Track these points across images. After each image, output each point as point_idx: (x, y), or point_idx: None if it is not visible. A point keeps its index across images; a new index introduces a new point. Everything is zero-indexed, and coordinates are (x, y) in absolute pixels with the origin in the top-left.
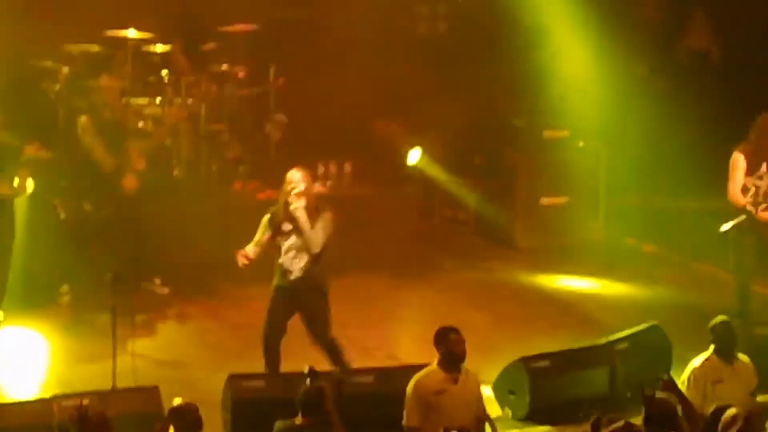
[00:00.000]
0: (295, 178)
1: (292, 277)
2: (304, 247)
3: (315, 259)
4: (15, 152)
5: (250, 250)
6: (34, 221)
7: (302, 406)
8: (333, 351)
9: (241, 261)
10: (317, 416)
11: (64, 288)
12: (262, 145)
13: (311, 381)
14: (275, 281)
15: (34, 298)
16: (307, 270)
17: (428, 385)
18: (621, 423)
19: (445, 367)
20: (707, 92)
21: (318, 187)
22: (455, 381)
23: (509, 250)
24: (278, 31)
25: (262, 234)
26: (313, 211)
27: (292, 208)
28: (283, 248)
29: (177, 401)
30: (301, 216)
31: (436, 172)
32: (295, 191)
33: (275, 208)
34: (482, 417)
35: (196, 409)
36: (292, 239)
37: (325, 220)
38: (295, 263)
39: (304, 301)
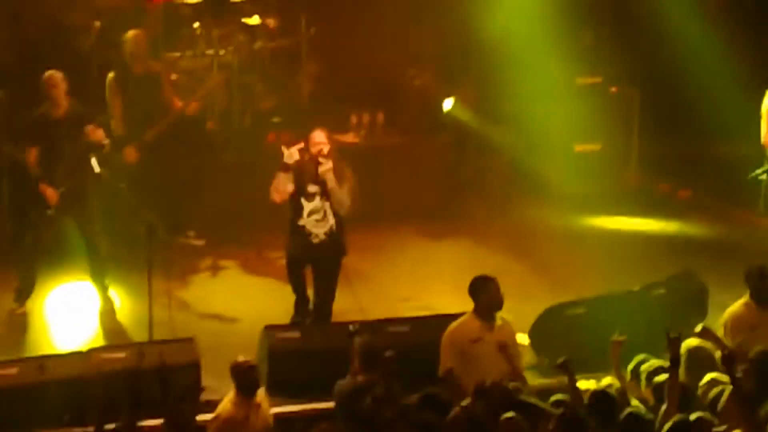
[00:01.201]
0: (320, 139)
1: (316, 240)
2: (329, 211)
3: (339, 222)
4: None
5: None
6: None
7: (362, 362)
8: (328, 308)
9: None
10: (376, 371)
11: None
12: (295, 96)
13: (358, 334)
14: (294, 243)
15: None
16: (331, 234)
17: (464, 333)
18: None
19: (482, 315)
20: (741, 36)
21: (350, 137)
22: (491, 329)
23: (543, 197)
24: None
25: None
26: (337, 172)
27: (322, 170)
28: (306, 210)
29: (241, 358)
30: (332, 179)
31: (471, 120)
32: (323, 152)
33: (296, 166)
34: (518, 364)
35: (255, 368)
36: (317, 202)
37: (351, 180)
38: (319, 226)
39: (324, 263)
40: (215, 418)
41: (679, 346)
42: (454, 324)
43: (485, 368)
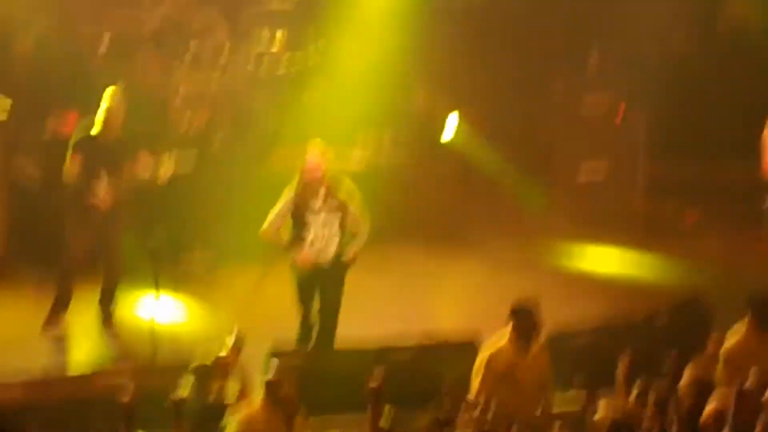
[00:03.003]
0: (315, 159)
1: (325, 257)
2: (335, 224)
3: (344, 237)
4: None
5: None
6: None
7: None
8: (331, 331)
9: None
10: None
11: None
12: (301, 115)
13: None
14: (303, 266)
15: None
16: (339, 251)
17: (500, 358)
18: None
19: (518, 340)
20: (750, 60)
21: (356, 156)
22: (527, 354)
23: (549, 218)
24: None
25: (285, 207)
26: (334, 190)
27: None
28: (313, 226)
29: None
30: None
31: (473, 143)
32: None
33: (298, 186)
34: (549, 390)
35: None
36: (323, 217)
37: (354, 195)
38: (327, 242)
39: (329, 281)
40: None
41: (679, 376)
42: (489, 348)
43: (519, 394)
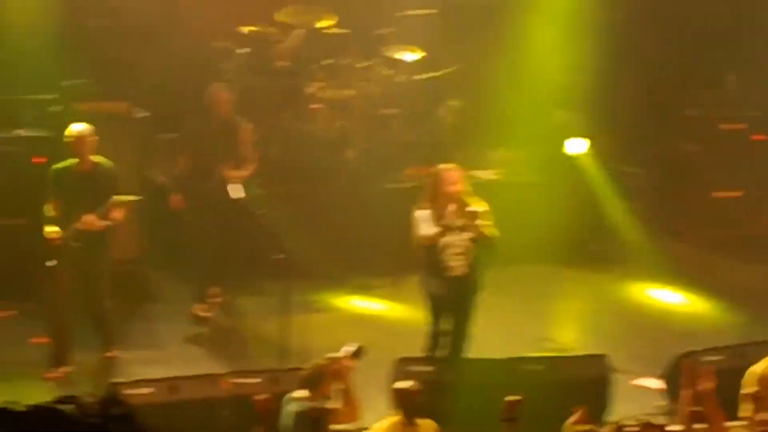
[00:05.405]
0: (453, 177)
1: (454, 274)
2: (467, 245)
3: (476, 258)
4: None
5: None
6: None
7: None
8: (463, 344)
9: None
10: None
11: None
12: (436, 130)
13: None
14: (434, 281)
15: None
16: (469, 269)
17: None
18: None
19: None
20: None
21: (488, 174)
22: None
23: (679, 243)
24: (456, 16)
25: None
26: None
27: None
28: (444, 244)
29: (401, 384)
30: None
31: (595, 171)
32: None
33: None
34: None
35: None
36: (454, 235)
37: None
38: (457, 260)
39: (461, 299)
40: None
41: None
42: (757, 368)
43: None
